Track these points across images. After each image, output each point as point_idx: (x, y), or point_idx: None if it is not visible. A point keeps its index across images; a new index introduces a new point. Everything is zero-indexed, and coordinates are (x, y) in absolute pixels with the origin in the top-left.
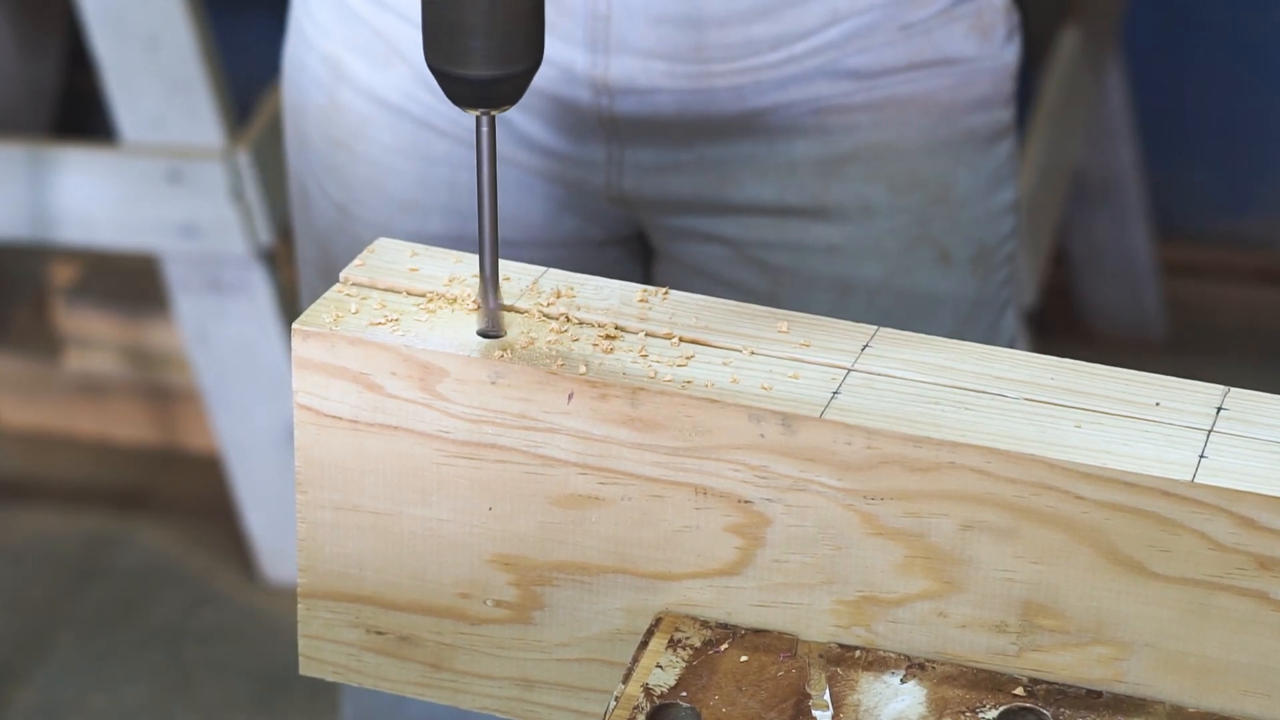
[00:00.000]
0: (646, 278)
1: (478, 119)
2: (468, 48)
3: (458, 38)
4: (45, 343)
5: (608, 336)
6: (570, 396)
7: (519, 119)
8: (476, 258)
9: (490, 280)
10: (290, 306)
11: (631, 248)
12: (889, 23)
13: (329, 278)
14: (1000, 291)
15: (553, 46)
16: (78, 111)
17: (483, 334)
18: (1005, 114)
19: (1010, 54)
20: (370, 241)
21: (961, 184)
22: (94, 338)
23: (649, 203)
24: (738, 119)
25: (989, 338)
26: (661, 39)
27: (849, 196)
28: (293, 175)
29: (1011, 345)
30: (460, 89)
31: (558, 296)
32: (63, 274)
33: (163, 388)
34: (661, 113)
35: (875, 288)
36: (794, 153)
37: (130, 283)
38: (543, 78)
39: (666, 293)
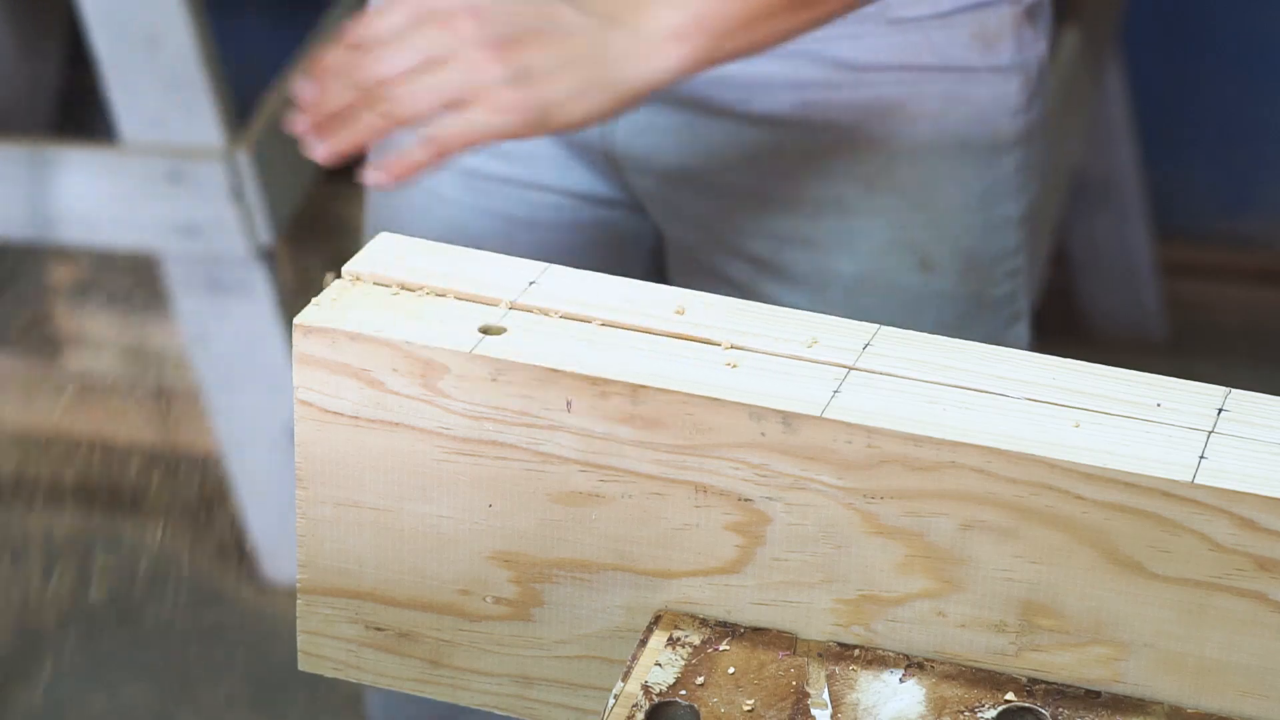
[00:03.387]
0: (659, 249)
1: None
2: None
3: None
4: (45, 343)
5: (609, 332)
6: (569, 404)
7: None
8: (478, 254)
9: None
10: (290, 306)
11: (642, 215)
12: (877, 15)
13: (386, 218)
14: (1002, 306)
15: None
16: (78, 111)
17: None
18: (1010, 126)
19: (1019, 66)
20: (423, 181)
21: (948, 194)
22: (94, 338)
23: (638, 164)
24: (719, 87)
25: None
26: None
27: (825, 191)
28: None
29: None
30: None
31: (559, 293)
32: (63, 274)
33: (163, 388)
34: None
35: (850, 285)
36: (776, 140)
37: (130, 283)
38: None
39: (667, 290)
